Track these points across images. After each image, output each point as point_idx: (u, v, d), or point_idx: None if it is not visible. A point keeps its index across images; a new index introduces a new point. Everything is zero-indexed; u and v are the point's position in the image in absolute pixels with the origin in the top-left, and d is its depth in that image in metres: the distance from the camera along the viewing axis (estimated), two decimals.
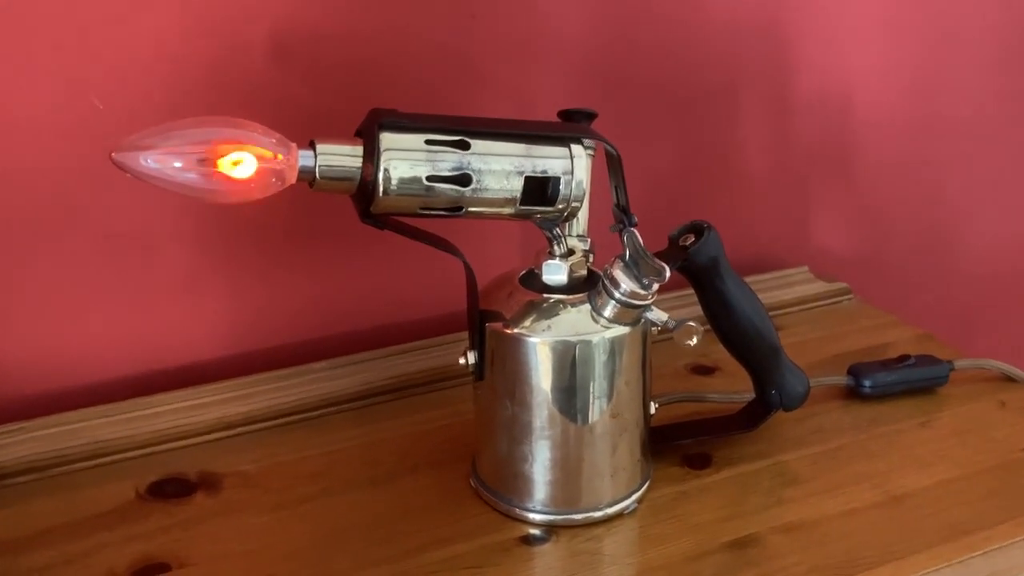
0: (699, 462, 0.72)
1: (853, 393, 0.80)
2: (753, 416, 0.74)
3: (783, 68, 0.93)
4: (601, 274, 0.62)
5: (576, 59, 0.85)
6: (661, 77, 0.88)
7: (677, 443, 0.72)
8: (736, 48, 0.91)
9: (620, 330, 0.63)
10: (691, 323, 0.62)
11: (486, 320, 0.64)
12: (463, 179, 0.58)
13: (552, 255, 0.64)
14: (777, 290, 0.95)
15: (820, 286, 0.97)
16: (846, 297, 0.96)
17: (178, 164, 0.53)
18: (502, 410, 0.65)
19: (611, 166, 0.65)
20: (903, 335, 0.90)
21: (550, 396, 0.63)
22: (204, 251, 0.77)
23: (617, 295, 0.61)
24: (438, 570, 0.62)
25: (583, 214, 0.68)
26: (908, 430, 0.76)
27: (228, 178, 0.55)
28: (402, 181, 0.56)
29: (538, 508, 0.66)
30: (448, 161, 0.57)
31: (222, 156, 0.54)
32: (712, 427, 0.74)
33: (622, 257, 0.62)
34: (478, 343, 0.64)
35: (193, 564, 0.63)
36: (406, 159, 0.56)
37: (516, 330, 0.62)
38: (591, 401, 0.63)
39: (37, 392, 0.76)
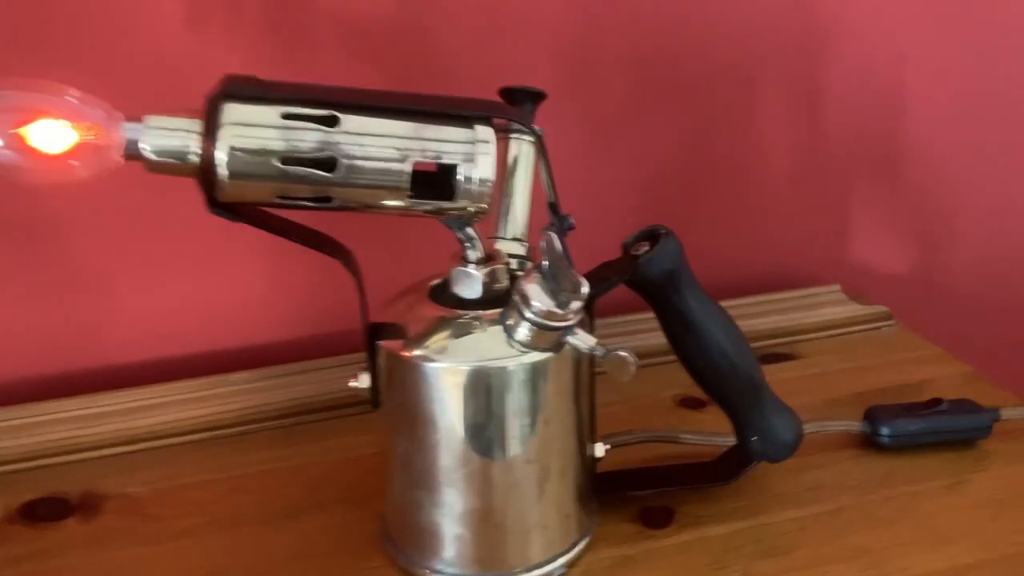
0: (659, 518, 0.60)
1: (869, 442, 0.66)
2: (730, 466, 0.61)
3: (814, 43, 0.79)
4: (514, 290, 0.50)
5: (561, 33, 0.73)
6: (662, 55, 0.75)
7: (633, 494, 0.60)
8: (756, 21, 0.77)
9: (539, 357, 0.51)
10: (623, 353, 0.49)
11: (379, 337, 0.53)
12: (328, 163, 0.47)
13: (465, 261, 0.53)
14: (799, 311, 0.81)
15: (853, 309, 0.82)
16: (885, 323, 0.82)
17: None
18: (398, 446, 0.54)
19: (539, 153, 0.53)
20: (946, 372, 0.75)
21: (451, 434, 0.51)
22: (115, 246, 0.68)
23: (529, 315, 0.49)
24: None
25: (519, 212, 0.56)
26: (929, 494, 0.62)
27: (38, 153, 0.45)
28: (248, 163, 0.46)
29: (442, 568, 0.54)
30: (309, 140, 0.46)
31: (27, 124, 0.44)
32: (678, 476, 0.61)
33: (539, 268, 0.50)
34: (371, 365, 0.53)
35: None
36: (254, 136, 0.46)
37: (413, 352, 0.51)
38: (500, 442, 0.51)
39: None
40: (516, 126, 0.55)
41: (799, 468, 0.63)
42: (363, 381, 0.54)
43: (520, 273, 0.53)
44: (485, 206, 0.50)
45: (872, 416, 0.65)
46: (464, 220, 0.51)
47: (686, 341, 0.56)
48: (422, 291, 0.54)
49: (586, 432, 0.56)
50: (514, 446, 0.52)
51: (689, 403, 0.72)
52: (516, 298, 0.49)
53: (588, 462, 0.57)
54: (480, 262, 0.52)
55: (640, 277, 0.54)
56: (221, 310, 0.71)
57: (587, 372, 0.55)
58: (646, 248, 0.54)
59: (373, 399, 0.54)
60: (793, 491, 0.62)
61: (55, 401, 0.68)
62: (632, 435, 0.63)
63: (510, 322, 0.50)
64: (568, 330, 0.50)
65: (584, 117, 0.75)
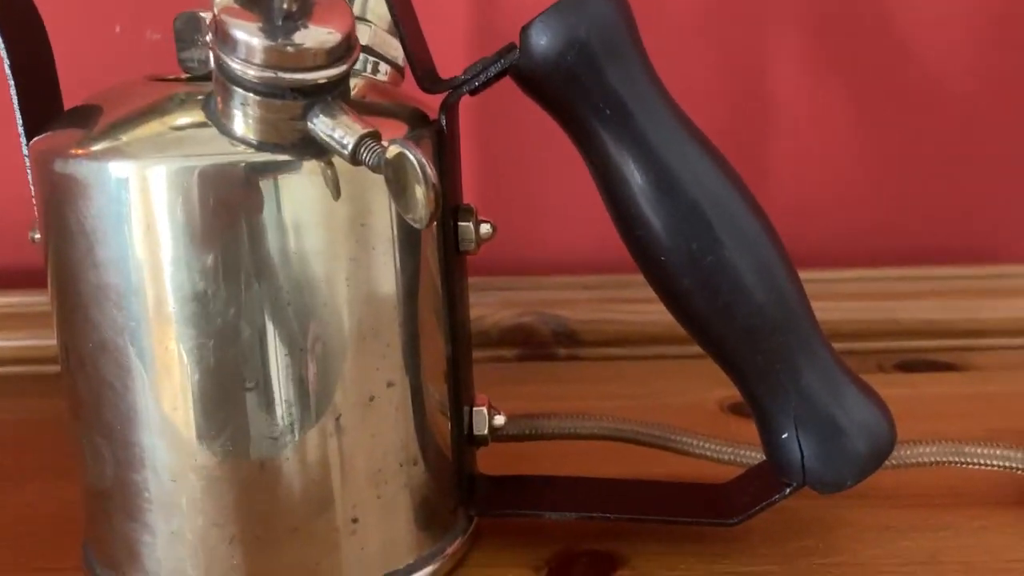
0: (590, 573, 0.31)
1: None
2: (748, 493, 0.31)
3: None
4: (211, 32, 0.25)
5: None
6: None
7: (539, 516, 0.32)
8: None
9: (286, 166, 0.25)
10: (401, 148, 0.23)
11: (37, 131, 0.29)
12: None
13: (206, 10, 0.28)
14: (974, 299, 0.48)
15: None
16: None
17: None
18: (59, 341, 0.29)
19: None
20: None
21: (118, 322, 0.26)
22: None
23: (235, 65, 0.24)
24: None
25: None
26: None
27: None
28: None
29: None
30: None
31: None
32: (644, 501, 0.32)
33: None
34: (36, 193, 0.29)
35: None
36: None
37: (63, 154, 0.27)
38: (195, 340, 0.26)
39: None
40: None
41: (899, 523, 0.33)
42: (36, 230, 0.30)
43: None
44: None
45: None
46: None
47: (630, 205, 0.28)
48: (149, 75, 0.30)
49: (430, 372, 0.29)
50: (233, 352, 0.26)
51: (744, 410, 0.42)
52: (211, 39, 0.24)
53: (444, 439, 0.29)
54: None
55: (531, 58, 0.27)
56: None
57: (433, 240, 0.28)
58: None
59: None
60: (878, 561, 0.31)
61: None
62: (572, 421, 0.34)
63: (219, 101, 0.25)
64: (316, 102, 0.24)
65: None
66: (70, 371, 0.28)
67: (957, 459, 0.34)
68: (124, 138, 0.26)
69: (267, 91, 0.24)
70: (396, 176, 0.23)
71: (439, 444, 0.30)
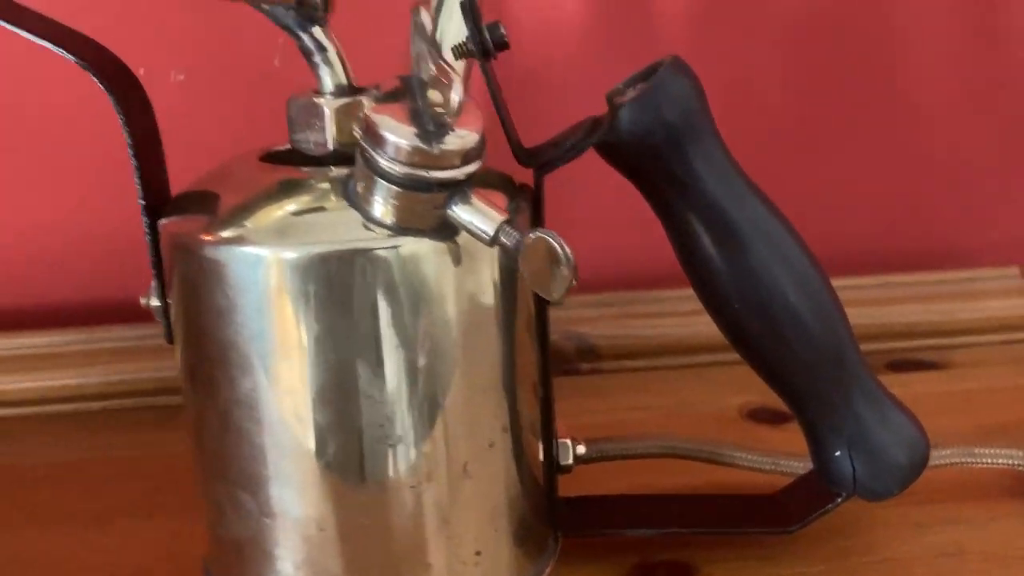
0: None
1: None
2: (798, 503, 0.36)
3: None
4: (356, 126, 0.28)
5: None
6: None
7: (620, 534, 0.36)
8: None
9: (418, 246, 0.28)
10: (543, 234, 0.26)
11: (161, 215, 0.31)
12: None
13: (318, 93, 0.31)
14: (953, 301, 0.54)
15: None
16: None
17: None
18: (194, 406, 0.32)
19: None
20: None
21: (263, 380, 0.29)
22: None
23: (382, 162, 0.27)
24: None
25: (444, 33, 0.34)
26: None
27: None
28: None
29: None
30: None
31: None
32: (706, 514, 0.36)
33: (405, 81, 0.27)
34: (154, 266, 0.32)
35: None
36: None
37: (208, 235, 0.29)
38: (354, 403, 0.29)
39: None
40: None
41: (928, 520, 0.38)
42: (153, 296, 0.33)
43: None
44: None
45: None
46: (302, 13, 0.29)
47: (703, 255, 0.32)
48: (255, 152, 0.33)
49: (529, 414, 0.32)
50: (375, 412, 0.29)
51: (764, 416, 0.47)
52: (360, 135, 0.27)
53: (538, 470, 0.33)
54: (340, 93, 0.31)
55: (621, 135, 0.30)
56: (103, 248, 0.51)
57: (529, 299, 0.31)
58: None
59: (166, 328, 0.32)
60: (913, 556, 0.36)
61: None
62: (637, 442, 0.38)
63: (360, 187, 0.28)
64: (455, 194, 0.27)
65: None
66: (202, 426, 0.31)
67: (969, 459, 0.39)
68: (259, 222, 0.29)
69: (411, 185, 0.27)
70: (533, 256, 0.27)
71: (536, 476, 0.33)
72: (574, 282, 0.26)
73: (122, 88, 0.31)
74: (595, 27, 0.52)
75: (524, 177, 0.32)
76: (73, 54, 0.29)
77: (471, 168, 0.27)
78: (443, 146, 0.26)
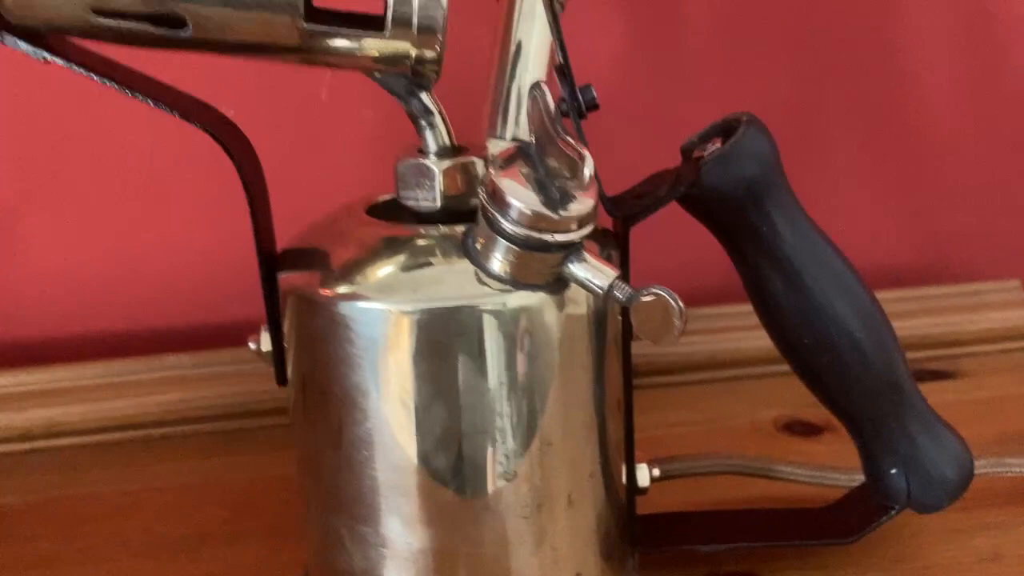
0: None
1: None
2: (853, 515, 0.39)
3: None
4: (479, 187, 0.31)
5: None
6: None
7: (693, 549, 0.38)
8: None
9: (528, 299, 0.31)
10: (660, 291, 0.29)
11: (279, 268, 0.34)
12: None
13: (423, 153, 0.33)
14: (961, 313, 0.57)
15: None
16: None
17: None
18: (312, 444, 0.34)
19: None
20: None
21: (387, 424, 0.31)
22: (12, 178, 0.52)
23: (506, 224, 0.29)
24: None
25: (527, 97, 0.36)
26: None
27: None
28: None
29: None
30: None
31: None
32: (770, 527, 0.39)
33: (524, 148, 0.30)
34: (270, 314, 0.34)
35: None
36: None
37: (329, 289, 0.32)
38: (467, 444, 0.32)
39: None
40: None
41: (965, 526, 0.41)
42: (264, 342, 0.35)
43: (488, 165, 0.33)
44: (437, 48, 0.30)
45: None
46: (413, 81, 0.32)
47: (777, 297, 0.34)
48: (359, 206, 0.35)
49: (615, 442, 0.35)
50: (483, 447, 0.32)
51: (797, 428, 0.50)
52: (483, 199, 0.30)
53: (622, 493, 0.36)
54: (444, 154, 0.33)
55: (704, 189, 0.33)
56: (150, 270, 0.53)
57: (616, 338, 0.34)
58: (715, 147, 0.34)
59: (277, 370, 0.35)
60: (957, 561, 0.39)
61: None
62: (703, 461, 0.41)
63: (479, 243, 0.30)
64: (571, 253, 0.30)
65: (667, 28, 0.54)
66: (320, 463, 0.33)
67: (1002, 469, 0.42)
68: (380, 278, 0.31)
69: (531, 246, 0.29)
70: (646, 310, 0.29)
71: (621, 498, 0.36)
72: (684, 331, 0.29)
73: (238, 149, 0.33)
74: (631, 70, 0.55)
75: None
76: (192, 120, 0.31)
77: (587, 230, 0.29)
78: (566, 213, 0.29)
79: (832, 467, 0.42)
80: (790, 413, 0.51)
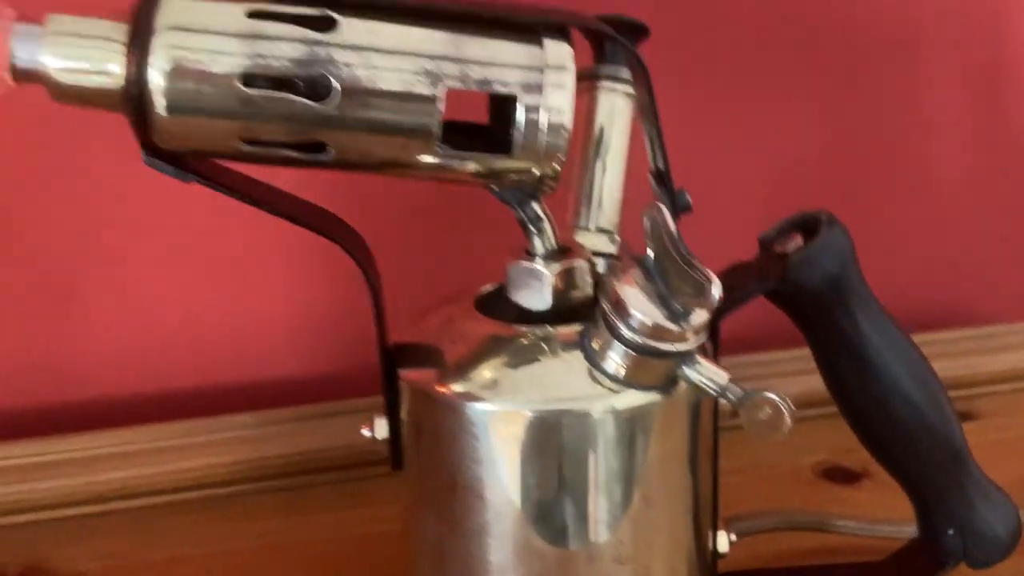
0: None
1: None
2: (911, 569, 0.42)
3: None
4: (601, 294, 0.33)
5: None
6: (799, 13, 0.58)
7: None
8: None
9: (640, 398, 0.34)
10: (772, 395, 0.32)
11: (401, 364, 0.36)
12: (317, 87, 0.30)
13: (529, 255, 0.36)
14: (976, 356, 0.61)
15: None
16: None
17: None
18: (428, 527, 0.37)
19: (641, 103, 0.36)
20: None
21: (504, 512, 0.34)
22: (80, 243, 0.53)
23: (626, 332, 0.32)
24: None
25: (610, 193, 0.39)
26: None
27: None
28: (196, 87, 0.30)
29: None
30: (288, 52, 0.30)
31: None
32: None
33: (642, 260, 0.32)
34: (389, 405, 0.36)
35: None
36: (205, 46, 0.30)
37: (449, 386, 0.34)
38: (579, 527, 0.34)
39: None
40: (607, 67, 0.38)
41: (1005, 572, 0.44)
42: (379, 429, 0.37)
43: (609, 274, 0.36)
44: (557, 167, 0.33)
45: None
46: (526, 190, 0.34)
47: (855, 384, 0.38)
48: (467, 300, 0.38)
49: (705, 516, 0.38)
50: (599, 533, 0.34)
51: (836, 475, 0.53)
52: (606, 307, 0.32)
53: (707, 559, 0.39)
54: (551, 257, 0.35)
55: (792, 285, 0.36)
56: (217, 332, 0.55)
57: (709, 427, 0.37)
58: (797, 243, 0.37)
59: (393, 456, 0.37)
60: None
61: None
62: (767, 519, 0.44)
63: (596, 344, 0.33)
64: (686, 358, 0.32)
65: (693, 79, 0.57)
66: (441, 546, 0.36)
67: None
68: (498, 377, 0.34)
69: (648, 352, 0.32)
70: (755, 408, 0.32)
71: (707, 562, 0.39)
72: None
73: (360, 253, 0.35)
74: None
75: None
76: (325, 234, 0.34)
77: (702, 339, 0.32)
78: (688, 327, 0.31)
79: (885, 521, 0.45)
80: (830, 459, 0.54)
